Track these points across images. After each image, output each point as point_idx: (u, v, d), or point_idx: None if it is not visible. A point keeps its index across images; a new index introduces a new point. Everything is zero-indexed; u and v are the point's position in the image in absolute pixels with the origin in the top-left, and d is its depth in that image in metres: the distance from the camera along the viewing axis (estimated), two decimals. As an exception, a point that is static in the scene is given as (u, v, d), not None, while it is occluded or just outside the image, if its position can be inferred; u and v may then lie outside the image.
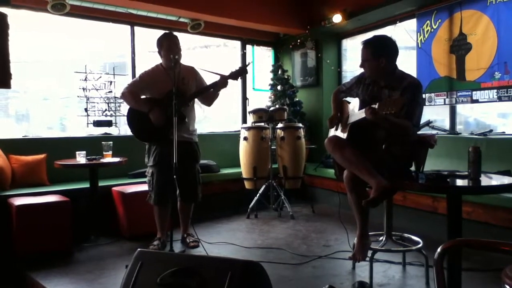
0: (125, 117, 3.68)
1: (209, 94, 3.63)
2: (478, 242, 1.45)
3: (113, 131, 5.00)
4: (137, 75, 3.81)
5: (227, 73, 3.55)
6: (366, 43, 2.89)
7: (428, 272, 2.82)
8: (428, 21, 4.70)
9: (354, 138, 2.80)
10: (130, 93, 3.56)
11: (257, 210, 4.82)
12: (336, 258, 3.33)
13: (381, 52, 2.82)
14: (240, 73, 3.58)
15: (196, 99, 3.70)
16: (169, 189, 3.39)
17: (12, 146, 4.21)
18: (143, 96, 3.61)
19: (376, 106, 2.45)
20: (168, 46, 3.51)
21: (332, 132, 3.17)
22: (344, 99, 3.20)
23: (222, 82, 3.53)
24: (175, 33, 3.67)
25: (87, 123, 4.80)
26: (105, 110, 4.93)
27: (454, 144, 4.15)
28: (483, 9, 4.17)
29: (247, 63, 3.76)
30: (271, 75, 6.15)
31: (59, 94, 5.01)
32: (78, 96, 4.76)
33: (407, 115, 2.64)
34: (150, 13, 5.07)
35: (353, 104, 3.00)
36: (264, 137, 4.98)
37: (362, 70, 2.98)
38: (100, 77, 4.90)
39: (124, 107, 4.99)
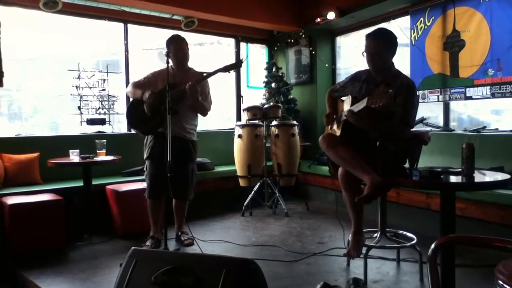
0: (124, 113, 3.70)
1: (195, 103, 3.61)
2: (471, 238, 1.45)
3: (106, 129, 4.97)
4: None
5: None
6: (379, 35, 2.84)
7: (422, 268, 2.83)
8: (421, 18, 4.71)
9: (347, 135, 2.80)
10: (131, 86, 3.65)
11: (252, 207, 4.82)
12: (330, 255, 3.34)
13: (391, 45, 2.83)
14: (232, 67, 3.56)
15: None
16: (160, 183, 3.38)
17: (5, 144, 4.19)
18: None
19: (364, 101, 2.45)
20: (174, 50, 3.56)
21: (328, 130, 3.17)
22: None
23: (212, 74, 3.55)
24: (181, 34, 3.70)
25: (81, 121, 4.77)
26: (99, 108, 4.89)
27: (448, 140, 4.17)
28: (476, 6, 4.19)
29: (241, 59, 3.73)
30: (265, 73, 6.14)
31: (52, 92, 4.98)
32: (71, 94, 4.73)
33: (404, 119, 2.65)
34: (143, 10, 5.04)
35: (347, 101, 3.00)
36: (258, 135, 4.97)
37: (356, 67, 2.97)
38: (93, 75, 4.87)
39: (118, 106, 5.01)
